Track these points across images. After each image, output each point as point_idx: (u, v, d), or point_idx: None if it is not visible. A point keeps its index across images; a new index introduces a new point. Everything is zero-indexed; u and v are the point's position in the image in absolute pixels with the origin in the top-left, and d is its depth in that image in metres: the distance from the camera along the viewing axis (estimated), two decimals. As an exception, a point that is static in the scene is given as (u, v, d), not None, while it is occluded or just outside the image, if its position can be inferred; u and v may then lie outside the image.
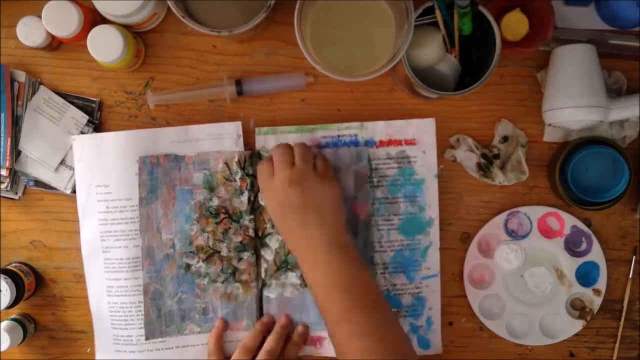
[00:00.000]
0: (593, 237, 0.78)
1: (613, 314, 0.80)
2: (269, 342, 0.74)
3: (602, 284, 0.78)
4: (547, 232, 0.78)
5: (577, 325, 0.79)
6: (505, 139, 0.78)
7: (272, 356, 0.73)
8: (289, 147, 0.69)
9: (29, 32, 0.71)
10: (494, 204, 0.79)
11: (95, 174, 0.74)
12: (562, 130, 0.77)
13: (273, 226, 0.75)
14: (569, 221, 0.78)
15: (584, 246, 0.79)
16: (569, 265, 0.78)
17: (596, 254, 0.78)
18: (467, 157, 0.77)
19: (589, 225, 0.79)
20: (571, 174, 0.74)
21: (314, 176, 0.68)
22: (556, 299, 0.79)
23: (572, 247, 0.79)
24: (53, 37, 0.73)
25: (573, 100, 0.71)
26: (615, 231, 0.79)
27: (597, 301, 0.78)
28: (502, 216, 0.78)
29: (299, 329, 0.75)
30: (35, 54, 0.74)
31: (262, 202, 0.75)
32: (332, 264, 0.66)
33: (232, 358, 0.73)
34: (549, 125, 0.76)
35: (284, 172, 0.67)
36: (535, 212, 0.78)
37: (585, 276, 0.79)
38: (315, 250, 0.66)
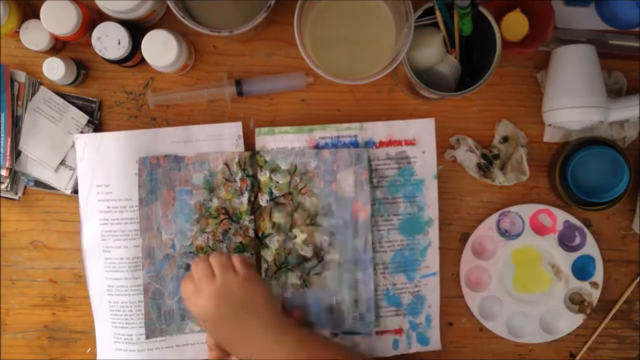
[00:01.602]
0: (586, 231, 0.78)
1: (614, 314, 0.80)
2: None
3: (598, 276, 0.78)
4: (539, 230, 0.79)
5: (578, 320, 0.79)
6: (505, 139, 0.78)
7: None
8: (206, 261, 0.69)
9: (32, 36, 0.71)
10: (494, 204, 0.79)
11: (96, 173, 0.74)
12: (562, 131, 0.77)
13: (273, 227, 0.75)
14: (560, 217, 0.78)
15: (577, 240, 0.79)
16: (565, 260, 0.79)
17: (590, 247, 0.78)
18: (467, 157, 0.77)
19: (588, 225, 0.79)
20: (571, 175, 0.74)
21: (237, 281, 0.67)
22: (554, 295, 0.79)
23: (566, 242, 0.79)
24: (56, 40, 0.73)
25: (573, 101, 0.71)
26: (616, 231, 0.79)
27: (596, 294, 0.79)
28: (494, 217, 0.78)
29: None
30: (35, 54, 0.74)
31: (262, 203, 0.75)
32: (280, 351, 0.65)
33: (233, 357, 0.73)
34: (549, 125, 0.76)
35: (208, 287, 0.67)
36: (527, 210, 0.78)
37: (582, 270, 0.79)
38: (266, 348, 0.66)
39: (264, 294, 0.68)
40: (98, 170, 0.74)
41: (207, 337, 0.75)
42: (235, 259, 0.69)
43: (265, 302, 0.68)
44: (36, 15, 0.74)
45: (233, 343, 0.68)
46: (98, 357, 0.77)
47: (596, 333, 0.80)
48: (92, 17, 0.72)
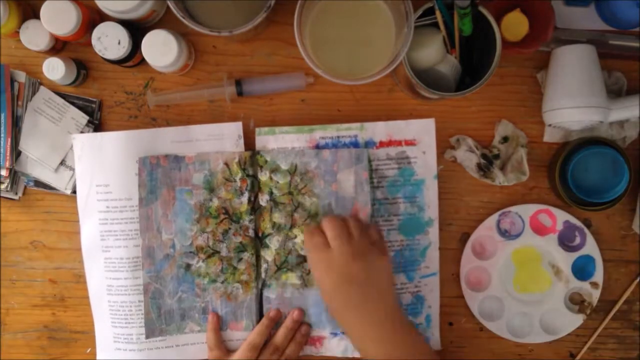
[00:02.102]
0: (586, 231, 0.78)
1: (614, 314, 0.80)
2: (278, 336, 0.74)
3: (598, 276, 0.78)
4: (539, 230, 0.79)
5: (578, 320, 0.79)
6: (505, 139, 0.78)
7: (279, 353, 0.73)
8: (344, 220, 0.68)
9: (32, 36, 0.71)
10: (494, 204, 0.79)
11: (96, 173, 0.74)
12: (562, 131, 0.77)
13: (273, 227, 0.75)
14: (560, 217, 0.78)
15: (577, 240, 0.79)
16: (565, 260, 0.79)
17: (591, 248, 0.78)
18: (467, 157, 0.77)
19: (588, 225, 0.79)
20: (571, 175, 0.74)
21: (375, 250, 0.67)
22: (555, 295, 0.79)
23: (566, 242, 0.79)
24: (57, 40, 0.73)
25: (573, 101, 0.71)
26: (616, 231, 0.79)
27: (596, 294, 0.79)
28: (494, 217, 0.78)
29: (302, 328, 0.75)
30: (35, 54, 0.74)
31: (262, 203, 0.75)
32: (399, 343, 0.65)
33: (237, 353, 0.73)
34: (549, 125, 0.76)
35: (345, 246, 0.66)
36: (527, 210, 0.78)
37: (582, 270, 0.79)
38: (379, 327, 0.65)
39: (390, 277, 0.68)
40: (97, 170, 0.74)
41: (207, 336, 0.75)
42: (373, 229, 0.69)
43: (391, 284, 0.68)
44: (36, 16, 0.74)
45: (347, 310, 0.66)
46: (98, 357, 0.77)
47: (596, 333, 0.80)
48: (92, 17, 0.72)
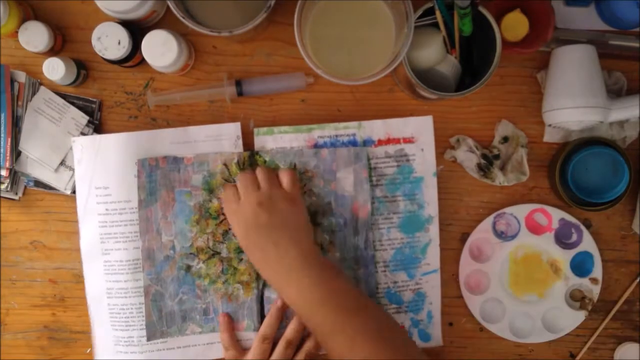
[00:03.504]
0: (582, 228, 0.78)
1: (614, 314, 0.80)
2: (289, 331, 0.73)
3: (597, 272, 0.79)
4: (536, 229, 0.79)
5: (580, 317, 0.79)
6: (505, 139, 0.78)
7: (292, 347, 0.73)
8: (252, 172, 0.70)
9: (31, 37, 0.71)
10: (494, 204, 0.79)
11: (95, 175, 0.74)
12: (562, 131, 0.77)
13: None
14: (556, 215, 0.78)
15: (574, 237, 0.79)
16: (563, 258, 0.79)
17: (588, 244, 0.78)
18: (467, 157, 0.77)
19: (588, 226, 0.79)
20: (571, 175, 0.74)
21: (282, 196, 0.69)
22: (555, 293, 0.79)
23: (563, 239, 0.79)
24: (55, 41, 0.73)
25: (573, 101, 0.71)
26: (616, 232, 0.79)
27: (596, 290, 0.79)
28: (489, 219, 0.78)
29: None
30: (35, 54, 0.74)
31: None
32: (312, 280, 0.65)
33: (251, 349, 0.73)
34: (549, 125, 0.76)
35: (251, 195, 0.68)
36: (522, 210, 0.78)
37: (580, 267, 0.79)
38: (290, 269, 0.66)
39: (303, 216, 0.69)
40: (96, 172, 0.74)
41: (221, 337, 0.74)
42: (283, 175, 0.70)
43: (303, 225, 0.68)
44: (36, 17, 0.74)
45: (260, 256, 0.68)
46: (96, 358, 0.76)
47: (596, 333, 0.80)
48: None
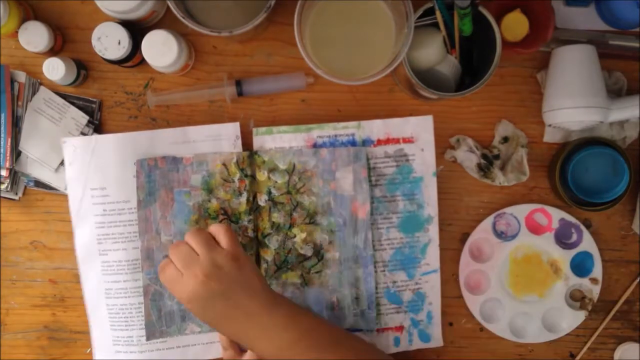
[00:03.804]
0: (582, 228, 0.78)
1: (614, 314, 0.80)
2: None
3: (597, 272, 0.79)
4: (536, 229, 0.79)
5: (580, 317, 0.79)
6: (505, 139, 0.78)
7: None
8: (184, 243, 0.66)
9: (31, 37, 0.71)
10: (494, 204, 0.79)
11: (91, 176, 0.74)
12: (562, 131, 0.77)
13: (272, 226, 0.75)
14: (556, 215, 0.78)
15: (574, 237, 0.79)
16: (563, 258, 0.79)
17: (588, 244, 0.78)
18: (467, 157, 0.77)
19: (588, 226, 0.79)
20: (571, 175, 0.74)
21: (224, 256, 0.64)
22: (555, 293, 0.79)
23: (563, 239, 0.79)
24: (55, 41, 0.73)
25: (573, 101, 0.71)
26: (616, 232, 0.79)
27: (596, 290, 0.79)
28: (489, 219, 0.78)
29: None
30: (35, 54, 0.74)
31: (261, 203, 0.75)
32: (279, 325, 0.64)
33: (248, 353, 0.72)
34: (549, 125, 0.76)
35: (194, 268, 0.63)
36: (522, 210, 0.78)
37: (580, 267, 0.79)
38: (254, 324, 0.64)
39: (253, 269, 0.65)
40: (92, 173, 0.74)
41: (220, 337, 0.74)
42: (218, 232, 0.66)
43: (255, 276, 0.65)
44: (36, 17, 0.74)
45: (222, 321, 0.65)
46: (95, 358, 0.76)
47: (596, 333, 0.80)
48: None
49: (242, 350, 0.74)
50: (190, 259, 0.64)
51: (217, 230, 0.66)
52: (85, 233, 0.75)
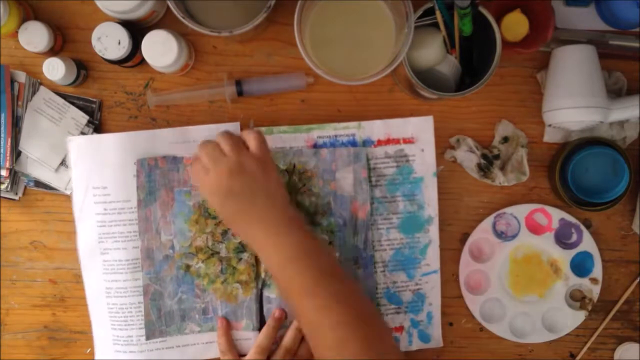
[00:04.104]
0: (582, 228, 0.78)
1: (614, 314, 0.80)
2: (287, 339, 0.73)
3: (597, 272, 0.79)
4: (536, 229, 0.79)
5: (580, 317, 0.79)
6: (505, 139, 0.78)
7: (290, 354, 0.73)
8: (214, 142, 0.67)
9: (31, 37, 0.71)
10: (494, 204, 0.79)
11: (93, 175, 0.74)
12: (562, 131, 0.77)
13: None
14: (556, 215, 0.78)
15: (574, 237, 0.79)
16: (563, 258, 0.79)
17: (588, 244, 0.78)
18: (467, 157, 0.77)
19: (589, 226, 0.79)
20: (571, 175, 0.74)
21: (251, 159, 0.66)
22: (555, 293, 0.79)
23: (563, 239, 0.79)
24: (55, 41, 0.73)
25: (573, 101, 0.71)
26: (616, 232, 0.79)
27: (596, 290, 0.79)
28: (490, 219, 0.78)
29: None
30: (35, 54, 0.74)
31: None
32: (283, 238, 0.64)
33: (247, 357, 0.73)
34: (549, 125, 0.76)
35: (220, 165, 0.65)
36: (522, 210, 0.78)
37: (581, 267, 0.79)
38: (265, 228, 0.65)
39: (277, 178, 0.67)
40: (94, 172, 0.74)
41: (218, 341, 0.75)
42: (249, 138, 0.67)
43: (278, 184, 0.67)
44: (36, 17, 0.74)
45: (236, 217, 0.66)
46: (96, 358, 0.76)
47: (596, 333, 0.80)
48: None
49: (240, 355, 0.74)
50: (218, 156, 0.66)
51: (247, 134, 0.68)
52: (87, 231, 0.75)
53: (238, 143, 0.67)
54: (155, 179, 0.74)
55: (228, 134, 0.67)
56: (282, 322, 0.75)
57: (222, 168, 0.65)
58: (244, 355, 0.74)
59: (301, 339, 0.74)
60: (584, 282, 0.79)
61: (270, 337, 0.74)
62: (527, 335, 0.79)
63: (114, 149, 0.74)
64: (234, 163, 0.65)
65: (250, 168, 0.65)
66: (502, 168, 0.77)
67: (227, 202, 0.66)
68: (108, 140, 0.74)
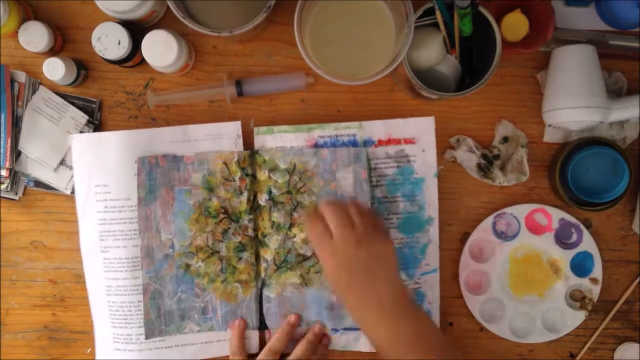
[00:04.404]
0: (582, 228, 0.78)
1: (614, 314, 0.80)
2: (300, 350, 0.73)
3: (597, 272, 0.79)
4: (536, 229, 0.79)
5: (580, 317, 0.79)
6: (505, 139, 0.78)
7: None
8: (343, 205, 0.67)
9: (31, 37, 0.71)
10: (494, 204, 0.79)
11: (94, 173, 0.74)
12: (562, 131, 0.77)
13: (272, 226, 0.75)
14: (556, 215, 0.78)
15: (574, 237, 0.79)
16: (563, 258, 0.79)
17: (588, 244, 0.78)
18: (467, 157, 0.77)
19: (589, 226, 0.79)
20: (571, 175, 0.74)
21: (377, 235, 0.66)
22: (555, 293, 0.79)
23: (563, 239, 0.79)
24: (55, 41, 0.73)
25: (573, 101, 0.71)
26: (616, 232, 0.79)
27: (596, 290, 0.79)
28: (489, 219, 0.78)
29: (324, 340, 0.76)
30: (35, 54, 0.74)
31: (261, 202, 0.75)
32: (405, 324, 0.64)
33: (258, 358, 0.73)
34: (549, 125, 0.76)
35: (348, 233, 0.65)
36: (522, 210, 0.78)
37: (581, 267, 0.79)
38: (380, 308, 0.64)
39: (394, 259, 0.66)
40: (96, 170, 0.74)
41: (231, 342, 0.75)
42: (372, 213, 0.68)
43: (396, 269, 0.66)
44: (36, 17, 0.74)
45: (352, 296, 0.65)
46: (97, 357, 0.77)
47: (596, 333, 0.80)
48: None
49: (250, 356, 0.74)
50: (347, 222, 0.65)
51: (373, 212, 0.69)
52: (89, 230, 0.75)
53: (367, 215, 0.67)
54: (155, 177, 0.74)
55: (358, 203, 0.68)
56: (296, 327, 0.75)
57: (350, 236, 0.65)
58: (255, 355, 0.74)
59: (312, 351, 0.74)
60: (584, 282, 0.79)
61: (283, 342, 0.74)
62: (526, 335, 0.79)
63: (115, 146, 0.74)
64: (361, 234, 0.65)
65: (375, 242, 0.65)
66: (502, 168, 0.77)
67: (344, 274, 0.65)
68: (110, 138, 0.74)
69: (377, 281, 0.64)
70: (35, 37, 0.71)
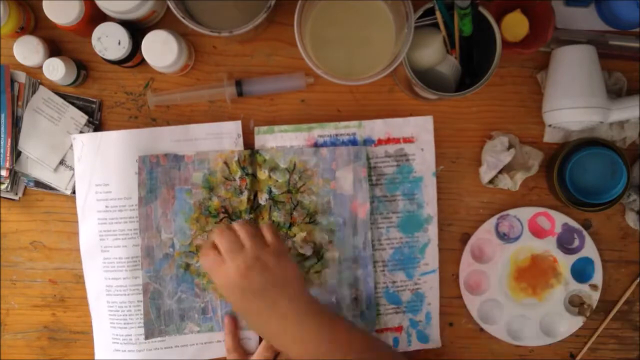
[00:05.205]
0: (585, 233, 0.78)
1: (614, 314, 0.80)
2: None
3: (598, 278, 0.78)
4: (538, 232, 0.79)
5: (578, 322, 0.79)
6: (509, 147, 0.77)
7: None
8: (232, 230, 0.66)
9: (27, 52, 0.72)
10: (494, 205, 0.79)
11: (95, 172, 0.74)
12: (562, 131, 0.77)
13: (272, 226, 0.75)
14: (559, 219, 0.78)
15: (576, 243, 0.79)
16: (564, 262, 0.79)
17: (589, 250, 0.78)
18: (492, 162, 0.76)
19: (588, 226, 0.79)
20: (569, 175, 0.74)
21: (270, 254, 0.65)
22: (554, 297, 0.79)
23: (565, 244, 0.79)
24: (50, 52, 0.73)
25: (573, 101, 0.71)
26: (616, 232, 0.79)
27: (595, 296, 0.79)
28: (492, 220, 0.78)
29: None
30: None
31: (261, 202, 0.75)
32: (315, 333, 0.64)
33: (256, 354, 0.73)
34: (549, 126, 0.76)
35: (238, 258, 0.63)
36: (525, 213, 0.78)
37: (581, 272, 0.79)
38: (292, 327, 0.64)
39: (295, 271, 0.66)
40: (97, 169, 0.74)
41: (225, 340, 0.75)
42: (265, 230, 0.67)
43: (297, 279, 0.65)
44: (36, 17, 0.75)
45: (256, 318, 0.65)
46: (95, 358, 0.76)
47: (596, 333, 0.80)
48: (96, 14, 0.71)
49: (247, 354, 0.74)
50: (236, 248, 0.64)
51: (264, 228, 0.67)
52: (89, 229, 0.75)
53: (257, 235, 0.66)
54: (156, 176, 0.74)
55: (246, 225, 0.66)
56: None
57: (239, 262, 0.63)
58: (251, 353, 0.74)
59: None
60: (584, 288, 0.79)
61: None
62: (523, 338, 0.79)
63: (116, 145, 0.74)
64: (251, 257, 0.64)
65: (269, 263, 0.64)
66: (507, 171, 0.77)
67: (245, 300, 0.64)
68: (111, 137, 0.74)
69: (277, 301, 0.63)
70: (30, 51, 0.72)
